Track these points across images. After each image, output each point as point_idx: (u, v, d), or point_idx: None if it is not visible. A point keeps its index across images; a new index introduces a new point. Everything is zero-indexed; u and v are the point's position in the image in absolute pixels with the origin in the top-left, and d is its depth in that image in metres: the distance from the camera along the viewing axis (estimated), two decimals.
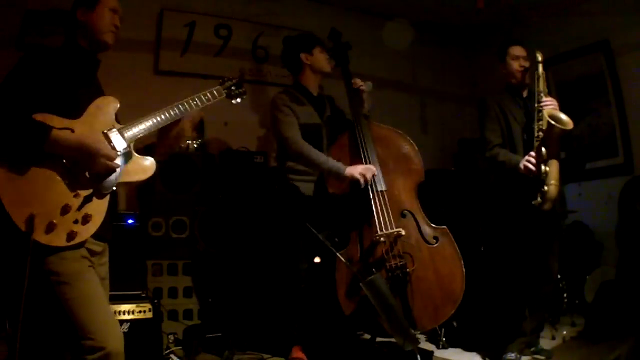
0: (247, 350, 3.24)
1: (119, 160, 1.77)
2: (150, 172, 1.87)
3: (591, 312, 3.50)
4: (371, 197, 2.80)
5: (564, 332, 3.33)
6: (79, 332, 1.63)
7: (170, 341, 3.22)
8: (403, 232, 2.73)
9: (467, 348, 3.20)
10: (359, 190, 2.83)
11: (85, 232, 1.68)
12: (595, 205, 4.39)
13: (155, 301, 2.98)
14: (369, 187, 2.82)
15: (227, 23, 4.36)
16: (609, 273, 3.94)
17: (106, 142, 1.75)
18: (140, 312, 2.83)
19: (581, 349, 3.14)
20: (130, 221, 3.10)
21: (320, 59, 3.15)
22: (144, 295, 2.98)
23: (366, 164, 2.87)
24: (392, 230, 2.73)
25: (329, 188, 2.94)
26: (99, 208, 1.72)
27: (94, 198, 1.70)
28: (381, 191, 2.83)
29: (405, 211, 2.86)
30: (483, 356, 3.04)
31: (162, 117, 1.93)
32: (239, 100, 2.30)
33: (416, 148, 3.00)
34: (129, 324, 2.78)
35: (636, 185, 4.03)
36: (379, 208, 2.78)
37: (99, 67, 1.99)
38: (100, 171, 1.71)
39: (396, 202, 2.85)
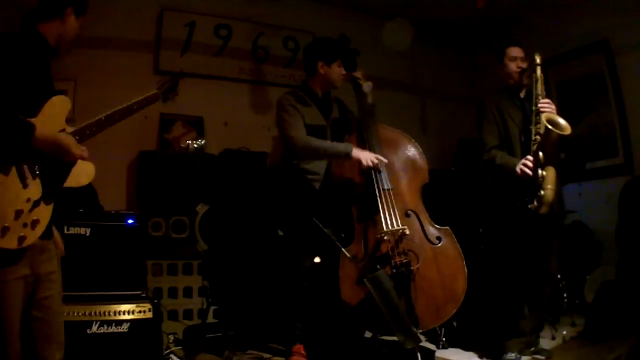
0: (247, 350, 3.24)
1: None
2: (92, 176, 1.93)
3: (591, 312, 3.50)
4: (377, 194, 2.83)
5: (564, 332, 3.32)
6: None
7: (170, 341, 3.22)
8: (408, 231, 2.75)
9: (467, 348, 3.20)
10: (364, 186, 2.84)
11: (33, 236, 1.71)
12: (595, 205, 4.39)
13: (155, 301, 2.98)
14: (375, 185, 2.85)
15: (227, 23, 4.37)
16: (609, 273, 3.93)
17: (56, 129, 1.77)
18: (140, 312, 2.83)
19: (581, 349, 3.14)
20: (130, 221, 3.09)
21: (336, 73, 3.15)
22: (144, 295, 2.98)
23: None
24: (398, 228, 2.75)
25: (335, 180, 2.98)
26: (45, 213, 1.75)
27: (42, 203, 1.73)
28: (387, 189, 2.86)
29: (409, 211, 2.88)
30: (483, 356, 3.04)
31: (105, 119, 1.96)
32: (169, 99, 2.35)
33: (422, 151, 3.06)
34: (129, 324, 2.78)
35: (636, 185, 4.02)
36: (384, 206, 2.81)
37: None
38: (75, 160, 1.79)
39: (401, 202, 2.88)
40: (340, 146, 2.93)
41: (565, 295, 3.74)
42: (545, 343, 3.13)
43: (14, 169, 1.65)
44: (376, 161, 2.85)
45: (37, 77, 1.79)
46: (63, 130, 1.80)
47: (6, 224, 1.62)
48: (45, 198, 1.74)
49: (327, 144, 2.97)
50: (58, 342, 1.85)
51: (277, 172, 3.79)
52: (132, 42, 4.00)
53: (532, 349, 2.97)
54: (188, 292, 3.58)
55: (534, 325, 2.97)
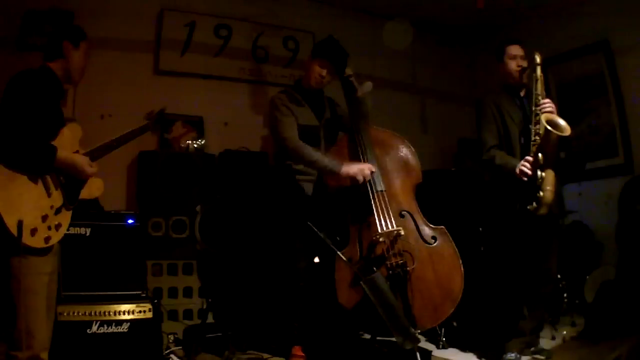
0: (247, 350, 3.24)
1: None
2: (102, 190, 2.36)
3: (591, 312, 3.50)
4: (371, 196, 2.81)
5: (564, 332, 3.33)
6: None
7: (170, 341, 3.22)
8: (402, 232, 2.74)
9: (467, 348, 3.20)
10: (358, 190, 2.83)
11: (57, 237, 2.10)
12: (595, 205, 4.39)
13: (155, 301, 2.99)
14: (369, 186, 2.83)
15: (227, 23, 4.37)
16: (609, 273, 3.93)
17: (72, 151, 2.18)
18: (140, 312, 2.84)
19: (581, 349, 3.14)
20: (130, 221, 3.10)
21: (312, 70, 3.10)
22: (144, 295, 2.98)
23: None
24: (393, 229, 2.74)
25: (328, 183, 2.95)
26: (66, 218, 2.16)
27: (63, 209, 2.14)
28: (381, 191, 2.84)
29: (404, 212, 2.87)
30: (483, 356, 3.04)
31: (109, 145, 2.36)
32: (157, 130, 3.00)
33: (414, 151, 3.04)
34: (129, 324, 2.79)
35: (636, 185, 4.03)
36: (379, 207, 2.80)
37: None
38: (87, 178, 2.22)
39: (395, 203, 2.86)
40: (330, 164, 2.85)
41: (565, 295, 3.74)
42: (545, 343, 3.13)
43: (40, 182, 2.03)
44: (368, 172, 2.81)
45: (52, 107, 2.15)
46: (77, 151, 2.20)
47: (35, 227, 1.98)
48: (65, 206, 2.14)
49: (318, 157, 2.90)
50: (49, 336, 2.17)
51: (270, 173, 3.78)
52: (132, 42, 4.00)
53: (532, 348, 2.97)
54: (188, 292, 3.58)
55: (534, 325, 2.97)
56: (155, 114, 2.83)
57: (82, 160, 2.16)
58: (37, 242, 1.99)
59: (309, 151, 2.91)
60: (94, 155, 2.25)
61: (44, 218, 2.02)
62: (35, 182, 2.02)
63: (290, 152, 2.97)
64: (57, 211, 2.09)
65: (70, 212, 2.19)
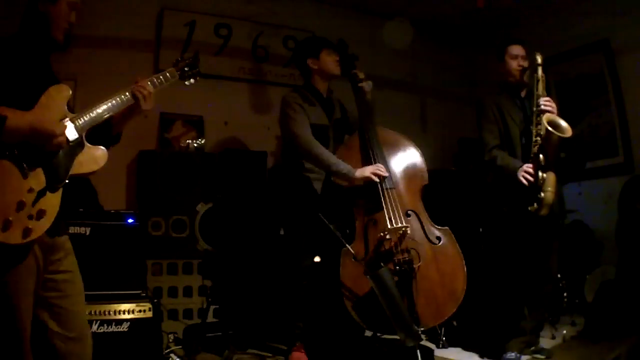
0: (247, 349, 3.24)
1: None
2: (102, 162, 1.84)
3: (591, 311, 3.50)
4: (381, 193, 2.83)
5: (564, 332, 3.33)
6: None
7: (170, 340, 3.22)
8: (409, 230, 2.76)
9: (467, 347, 3.21)
10: (368, 187, 2.85)
11: (40, 228, 1.62)
12: (595, 204, 4.39)
13: (155, 300, 2.99)
14: (379, 183, 2.86)
15: (227, 22, 4.36)
16: (609, 272, 3.93)
17: (58, 121, 1.71)
18: (140, 311, 2.83)
19: (581, 348, 3.14)
20: (130, 221, 3.09)
21: (328, 61, 3.14)
22: (144, 294, 2.98)
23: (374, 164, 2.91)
24: (401, 226, 2.76)
25: (335, 180, 2.97)
26: (52, 202, 1.67)
27: (47, 192, 1.66)
28: (390, 188, 2.87)
29: (410, 211, 2.89)
30: (483, 355, 3.04)
31: (114, 102, 1.90)
32: (192, 81, 2.22)
33: (421, 152, 3.08)
34: (129, 323, 2.78)
35: (636, 184, 4.02)
36: (388, 204, 2.82)
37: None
38: (53, 149, 1.67)
39: (401, 202, 2.88)
40: (344, 168, 2.87)
41: (565, 294, 3.75)
42: (546, 342, 3.14)
43: (6, 161, 1.59)
44: (382, 172, 2.85)
45: (35, 71, 1.75)
46: (64, 118, 1.75)
47: (8, 217, 1.54)
48: (50, 187, 1.66)
49: (332, 160, 2.90)
50: (79, 343, 1.78)
51: (278, 171, 3.79)
52: (132, 42, 4.00)
53: (532, 348, 2.98)
54: (188, 292, 3.58)
55: (534, 324, 2.97)
56: (191, 58, 2.23)
57: (50, 127, 1.64)
58: (11, 236, 1.55)
59: (324, 153, 2.93)
60: (83, 119, 1.79)
61: (20, 205, 1.57)
62: (5, 162, 1.59)
63: (301, 149, 2.98)
64: (40, 195, 1.63)
65: (59, 194, 1.69)
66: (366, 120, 3.08)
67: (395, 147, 3.08)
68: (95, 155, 1.82)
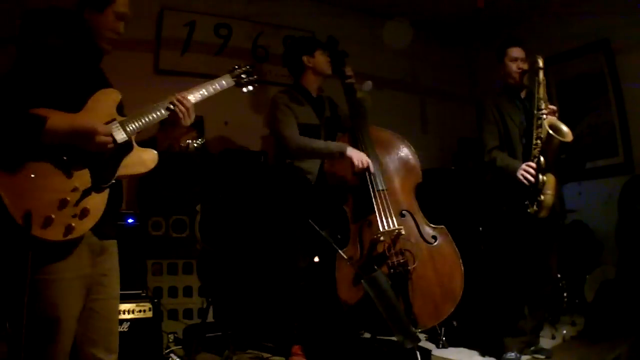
0: (247, 349, 3.24)
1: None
2: (151, 165, 1.83)
3: (591, 311, 3.50)
4: (372, 195, 2.82)
5: (564, 332, 3.33)
6: None
7: (170, 340, 3.22)
8: (403, 231, 2.74)
9: (467, 347, 3.20)
10: (359, 188, 2.84)
11: (83, 226, 1.62)
12: (595, 205, 4.39)
13: (155, 300, 2.98)
14: (370, 185, 2.84)
15: (227, 22, 4.36)
16: (609, 272, 3.94)
17: (102, 123, 1.71)
18: (140, 311, 2.83)
19: (581, 348, 3.14)
20: (130, 220, 3.10)
21: (322, 61, 3.17)
22: (144, 294, 2.98)
23: None
24: (394, 228, 2.74)
25: (328, 180, 2.97)
26: (97, 202, 1.67)
27: (93, 192, 1.66)
28: (382, 190, 2.85)
29: (404, 211, 2.88)
30: (483, 355, 3.04)
31: (164, 110, 1.93)
32: (250, 88, 2.25)
33: (414, 150, 3.06)
34: (129, 323, 2.78)
35: (636, 184, 4.03)
36: (380, 206, 2.80)
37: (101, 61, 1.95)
38: (94, 149, 1.67)
39: (395, 202, 2.87)
40: (334, 145, 2.91)
41: (565, 294, 3.74)
42: (545, 342, 3.14)
43: (50, 160, 1.60)
44: (366, 162, 2.84)
45: (84, 76, 1.79)
46: (113, 120, 1.76)
47: (50, 215, 1.55)
48: (95, 187, 1.67)
49: (321, 143, 2.95)
50: (107, 348, 1.79)
51: (271, 172, 3.79)
52: (132, 42, 3.99)
53: (532, 348, 2.98)
54: (188, 292, 3.57)
55: (534, 324, 2.97)
56: (249, 66, 2.26)
57: (90, 123, 1.65)
58: (51, 233, 1.55)
59: (312, 141, 2.95)
60: (133, 124, 1.79)
61: (63, 203, 1.57)
62: (42, 162, 1.60)
63: (293, 149, 2.99)
64: (84, 194, 1.63)
65: (105, 195, 1.70)
66: (357, 118, 3.08)
67: (387, 146, 3.07)
68: (144, 158, 1.83)
